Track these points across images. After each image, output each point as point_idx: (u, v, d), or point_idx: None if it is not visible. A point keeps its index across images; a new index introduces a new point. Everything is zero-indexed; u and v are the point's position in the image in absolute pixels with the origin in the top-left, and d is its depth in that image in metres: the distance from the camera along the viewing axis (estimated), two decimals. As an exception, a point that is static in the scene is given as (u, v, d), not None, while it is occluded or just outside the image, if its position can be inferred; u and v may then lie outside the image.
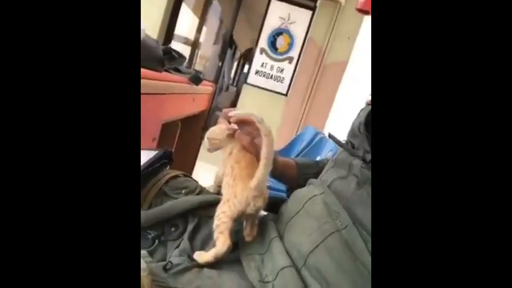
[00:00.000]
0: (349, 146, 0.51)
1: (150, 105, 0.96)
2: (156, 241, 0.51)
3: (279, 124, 2.87)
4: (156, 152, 0.64)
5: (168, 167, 0.68)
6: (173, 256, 0.48)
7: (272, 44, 3.04)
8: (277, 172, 0.62)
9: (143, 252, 0.40)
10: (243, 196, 0.46)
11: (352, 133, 0.53)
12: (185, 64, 1.42)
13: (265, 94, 3.09)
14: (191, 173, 1.70)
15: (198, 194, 0.60)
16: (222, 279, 0.42)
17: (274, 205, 0.57)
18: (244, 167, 0.51)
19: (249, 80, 3.13)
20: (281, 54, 3.03)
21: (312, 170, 0.65)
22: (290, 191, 0.73)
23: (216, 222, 0.47)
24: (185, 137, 1.56)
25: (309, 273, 0.40)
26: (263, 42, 3.07)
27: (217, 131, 0.56)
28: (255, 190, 0.46)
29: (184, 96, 1.28)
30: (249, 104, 3.13)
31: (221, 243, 0.46)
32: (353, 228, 0.40)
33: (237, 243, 0.49)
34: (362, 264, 0.39)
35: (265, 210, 0.65)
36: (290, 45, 2.99)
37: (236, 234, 0.50)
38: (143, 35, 1.03)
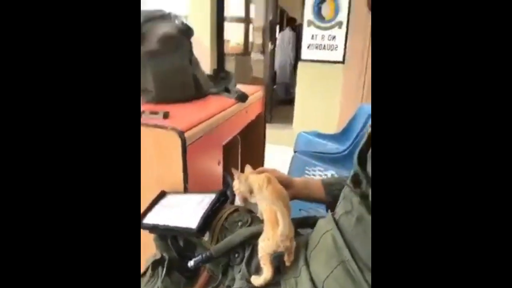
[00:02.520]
0: (349, 183, 0.61)
1: (211, 137, 1.12)
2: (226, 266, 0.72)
3: (340, 97, 2.83)
4: (214, 194, 0.85)
5: (227, 203, 0.88)
6: (237, 280, 0.68)
7: (318, 13, 2.94)
8: (301, 197, 0.77)
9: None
10: (273, 240, 0.62)
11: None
12: (233, 82, 1.57)
13: (322, 66, 3.05)
14: (262, 163, 1.90)
15: (250, 225, 0.78)
16: None
17: (313, 223, 0.72)
18: (273, 212, 0.66)
19: (303, 56, 3.13)
20: (329, 21, 2.92)
21: (339, 187, 0.75)
22: (327, 209, 0.85)
23: (259, 254, 0.65)
24: (247, 144, 1.74)
25: None
26: (308, 14, 3.00)
27: (241, 188, 0.72)
28: (281, 236, 0.61)
29: (237, 114, 1.42)
30: (308, 82, 3.14)
31: (266, 271, 0.63)
32: (352, 260, 0.53)
33: (279, 267, 0.66)
34: None
35: (306, 227, 0.80)
36: (336, 10, 2.85)
37: (279, 257, 0.67)
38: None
